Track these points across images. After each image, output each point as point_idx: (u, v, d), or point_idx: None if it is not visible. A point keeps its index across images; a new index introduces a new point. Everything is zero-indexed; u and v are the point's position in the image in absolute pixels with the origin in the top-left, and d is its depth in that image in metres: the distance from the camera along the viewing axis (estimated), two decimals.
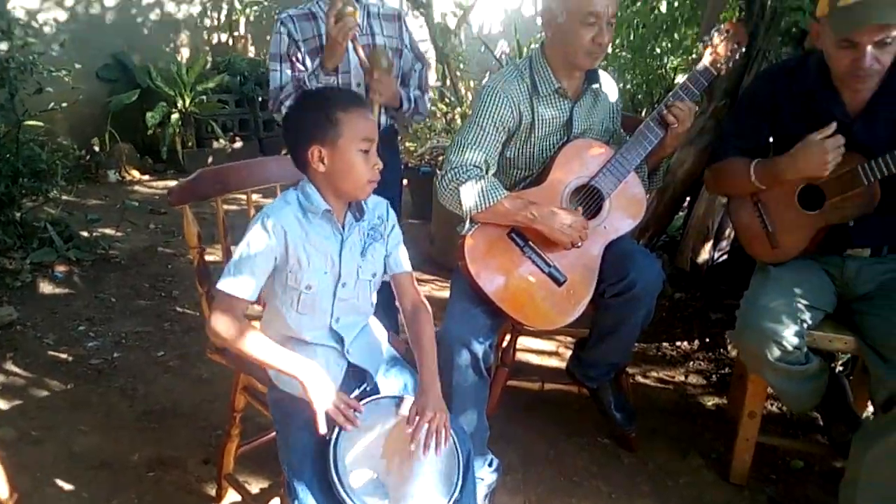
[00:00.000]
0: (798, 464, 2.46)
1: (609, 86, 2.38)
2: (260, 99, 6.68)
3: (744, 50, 2.30)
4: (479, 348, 2.15)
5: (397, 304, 1.95)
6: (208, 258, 2.13)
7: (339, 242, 1.79)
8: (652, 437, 2.56)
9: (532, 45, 7.29)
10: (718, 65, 2.25)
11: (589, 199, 2.24)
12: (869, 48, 1.87)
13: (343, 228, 1.79)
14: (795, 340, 1.98)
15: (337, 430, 1.65)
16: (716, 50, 2.25)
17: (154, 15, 6.52)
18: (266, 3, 6.81)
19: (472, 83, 7.28)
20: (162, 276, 3.97)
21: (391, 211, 1.90)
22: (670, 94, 2.24)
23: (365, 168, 1.70)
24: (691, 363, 2.99)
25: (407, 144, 5.35)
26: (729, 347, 3.02)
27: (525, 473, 2.41)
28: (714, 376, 2.91)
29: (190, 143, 6.25)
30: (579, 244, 2.16)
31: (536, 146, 2.27)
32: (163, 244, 4.49)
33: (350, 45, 2.33)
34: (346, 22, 2.22)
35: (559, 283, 2.19)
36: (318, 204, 1.74)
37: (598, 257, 2.22)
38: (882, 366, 1.97)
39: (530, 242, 2.19)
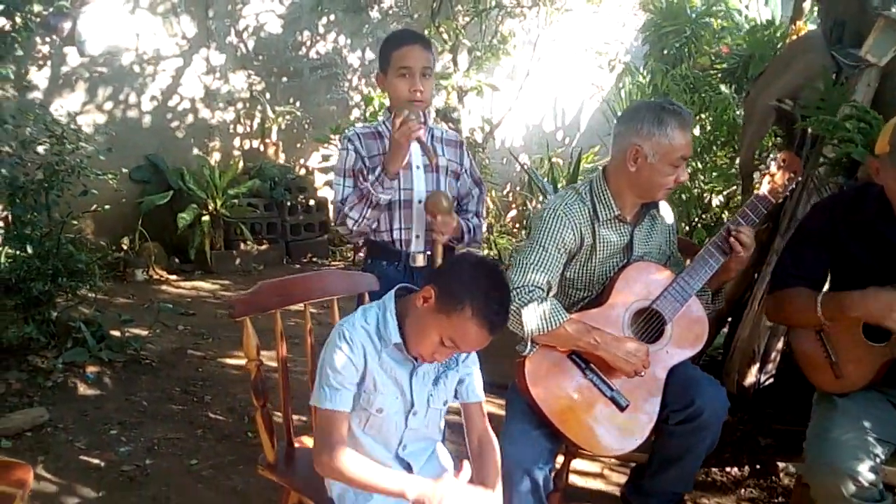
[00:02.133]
0: None
1: (665, 210, 2.41)
2: (289, 204, 6.79)
3: (799, 179, 2.35)
4: (539, 475, 2.10)
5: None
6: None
7: (409, 371, 1.78)
8: None
9: (553, 159, 7.46)
10: (776, 193, 2.29)
11: (650, 323, 2.23)
12: None
13: (416, 357, 1.78)
14: (871, 476, 1.93)
15: None
16: (773, 179, 2.29)
17: (189, 119, 6.70)
18: (298, 114, 7.00)
19: (493, 192, 7.41)
20: (193, 380, 3.93)
21: None
22: (729, 220, 2.27)
23: (430, 349, 1.70)
24: (742, 490, 2.90)
25: None
26: (781, 475, 2.94)
27: None
28: None
29: (218, 245, 6.32)
30: (642, 374, 2.14)
31: (597, 268, 2.28)
32: (192, 346, 4.46)
33: (416, 152, 2.41)
34: (410, 124, 2.27)
35: (622, 408, 2.16)
36: (391, 334, 1.73)
37: (661, 382, 2.19)
38: None
39: (592, 365, 2.17)
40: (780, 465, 2.98)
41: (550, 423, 2.13)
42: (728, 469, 2.99)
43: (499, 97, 7.51)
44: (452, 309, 1.63)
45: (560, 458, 2.47)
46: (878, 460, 1.98)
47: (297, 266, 6.76)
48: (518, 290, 2.12)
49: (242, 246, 6.50)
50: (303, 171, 7.26)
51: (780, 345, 3.28)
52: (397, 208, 2.45)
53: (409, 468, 1.82)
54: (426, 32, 7.17)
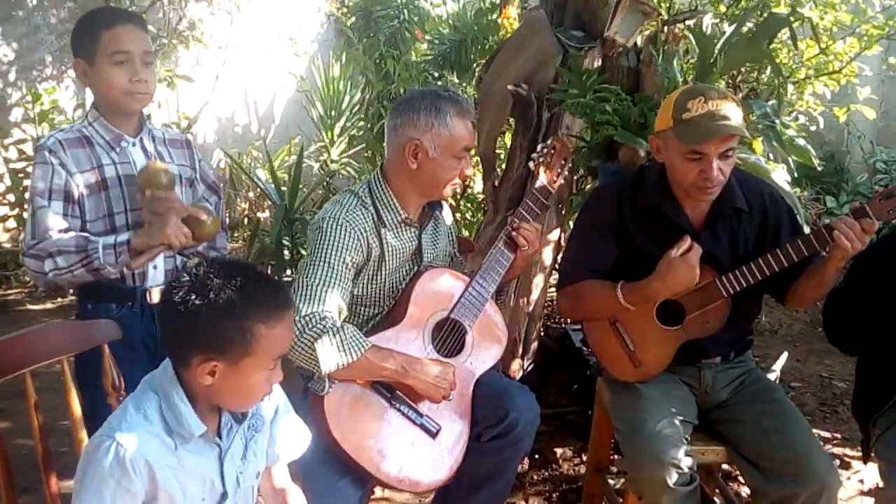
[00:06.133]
0: None
1: (445, 210, 2.23)
2: None
3: (570, 164, 2.29)
4: None
5: (260, 493, 1.56)
6: None
7: (218, 457, 1.38)
8: None
9: (254, 153, 7.03)
10: (552, 182, 2.21)
11: (451, 335, 2.03)
12: (715, 160, 1.92)
13: (220, 436, 1.39)
14: (689, 461, 1.92)
15: None
16: (548, 168, 2.20)
17: None
18: None
19: None
20: None
21: (277, 387, 1.52)
22: (513, 215, 2.14)
23: (265, 388, 1.35)
24: (528, 486, 2.84)
25: None
26: (560, 462, 2.93)
27: None
28: (554, 495, 2.78)
29: None
30: (450, 398, 1.94)
31: (387, 280, 2.02)
32: None
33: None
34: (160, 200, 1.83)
35: (433, 435, 1.94)
36: (191, 428, 1.32)
37: (469, 398, 2.01)
38: (759, 476, 1.96)
39: (397, 392, 1.92)
40: (558, 451, 2.98)
41: (359, 467, 1.85)
42: None
43: (189, 90, 6.87)
44: (248, 347, 1.28)
45: None
46: (687, 443, 1.98)
47: None
48: (306, 318, 1.79)
49: None
50: None
51: (535, 331, 3.29)
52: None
53: None
54: None
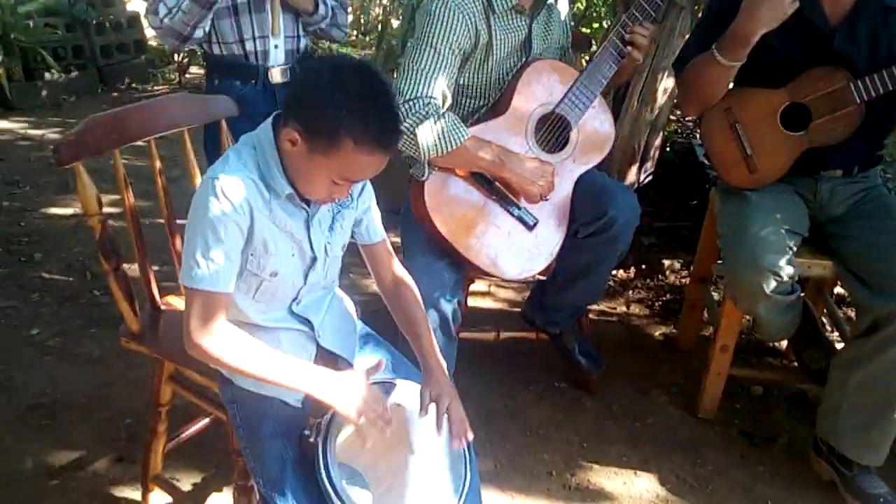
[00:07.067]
0: (758, 390, 2.41)
1: (562, 0, 2.12)
2: (95, 22, 5.88)
3: None
4: (447, 307, 1.92)
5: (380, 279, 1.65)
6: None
7: (305, 220, 1.46)
8: (609, 375, 2.42)
9: None
10: None
11: (555, 130, 2.00)
12: None
13: (308, 203, 1.46)
14: (790, 269, 1.87)
15: (325, 433, 1.38)
16: None
17: None
18: None
19: None
20: (16, 237, 3.39)
21: None
22: (626, 14, 2.00)
23: (324, 191, 1.36)
24: (631, 292, 2.88)
25: None
26: (667, 273, 2.93)
27: (488, 432, 2.22)
28: (656, 304, 2.81)
29: (17, 76, 5.42)
30: (548, 197, 1.93)
31: (493, 71, 1.98)
32: (8, 197, 3.85)
33: None
34: None
35: (530, 228, 1.97)
36: (280, 185, 1.36)
37: (569, 195, 2.01)
38: (865, 291, 1.89)
39: (496, 183, 1.93)
40: (665, 263, 2.97)
41: (455, 252, 1.92)
42: (615, 272, 2.94)
43: None
44: (329, 147, 1.27)
45: None
46: (791, 253, 1.92)
47: (115, 94, 5.99)
48: (410, 103, 1.81)
49: (47, 75, 5.63)
50: None
51: (658, 141, 3.19)
52: (247, 12, 2.01)
53: (308, 323, 1.55)
54: None
